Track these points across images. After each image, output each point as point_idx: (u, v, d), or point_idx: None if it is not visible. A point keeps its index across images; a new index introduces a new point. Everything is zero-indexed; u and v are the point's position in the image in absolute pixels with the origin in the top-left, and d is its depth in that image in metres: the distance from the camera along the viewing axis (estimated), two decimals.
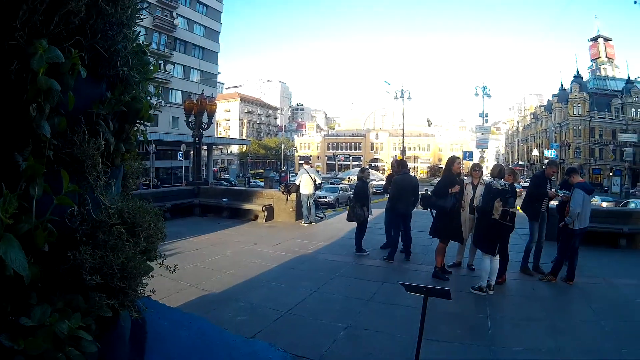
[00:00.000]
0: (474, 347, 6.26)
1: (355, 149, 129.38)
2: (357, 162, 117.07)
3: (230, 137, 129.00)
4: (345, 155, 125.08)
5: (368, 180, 12.60)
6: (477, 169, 10.59)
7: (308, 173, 16.26)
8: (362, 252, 11.63)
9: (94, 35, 2.22)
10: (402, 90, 56.76)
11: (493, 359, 5.95)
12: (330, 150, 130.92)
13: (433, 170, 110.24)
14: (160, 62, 60.79)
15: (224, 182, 59.75)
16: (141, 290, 2.85)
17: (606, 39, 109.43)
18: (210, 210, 18.57)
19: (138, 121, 3.01)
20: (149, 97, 3.14)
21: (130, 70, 2.53)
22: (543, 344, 6.39)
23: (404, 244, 11.36)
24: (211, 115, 20.80)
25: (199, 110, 19.95)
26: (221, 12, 74.37)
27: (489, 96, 50.47)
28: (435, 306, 6.92)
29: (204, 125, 20.27)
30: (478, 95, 50.48)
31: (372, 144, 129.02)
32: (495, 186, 8.53)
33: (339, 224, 13.15)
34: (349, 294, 8.33)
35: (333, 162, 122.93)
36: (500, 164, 9.60)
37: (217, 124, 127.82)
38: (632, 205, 32.03)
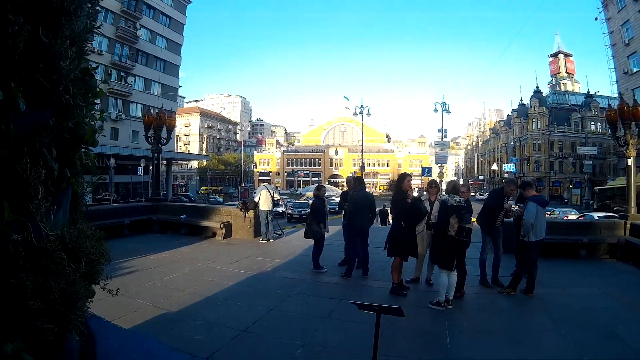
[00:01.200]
0: None
1: (314, 165, 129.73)
2: (316, 178, 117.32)
3: (190, 152, 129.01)
4: (305, 172, 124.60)
5: (324, 198, 12.65)
6: (433, 185, 10.80)
7: (267, 189, 16.32)
8: (320, 270, 11.60)
9: (36, 66, 2.24)
10: (362, 106, 56.95)
11: None
12: (290, 167, 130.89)
13: (392, 185, 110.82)
14: (122, 74, 60.35)
15: (184, 198, 59.49)
16: (90, 311, 2.96)
17: (566, 55, 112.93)
18: (169, 226, 18.34)
19: (83, 146, 3.01)
20: (93, 122, 3.13)
21: (72, 97, 2.53)
22: (502, 355, 6.47)
23: (361, 261, 11.37)
24: (170, 130, 20.52)
25: (158, 125, 19.69)
26: (184, 25, 73.91)
27: (448, 112, 50.94)
28: (394, 322, 6.95)
29: (163, 140, 19.96)
30: (437, 111, 50.92)
31: (331, 159, 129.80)
32: (451, 203, 8.62)
33: (297, 241, 13.11)
34: (307, 312, 8.28)
35: (293, 178, 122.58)
36: (454, 180, 9.63)
37: (177, 138, 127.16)
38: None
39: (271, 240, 16.11)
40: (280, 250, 14.55)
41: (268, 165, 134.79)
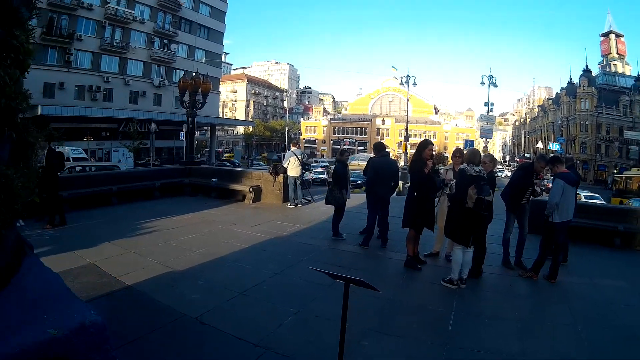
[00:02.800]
0: (426, 344, 5.91)
1: (361, 134, 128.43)
2: (362, 147, 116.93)
3: (237, 118, 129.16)
4: (351, 140, 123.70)
5: (347, 163, 12.21)
6: (457, 154, 10.15)
7: (295, 155, 16.04)
8: (339, 237, 11.36)
9: None
10: (408, 75, 56.57)
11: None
12: (336, 135, 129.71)
13: (438, 158, 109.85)
14: (165, 41, 61.16)
15: (228, 164, 59.67)
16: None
17: (618, 35, 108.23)
18: (201, 190, 18.54)
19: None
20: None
21: None
22: (506, 347, 5.98)
23: (380, 230, 11.01)
24: (206, 95, 20.58)
25: (193, 90, 19.69)
26: None
27: (495, 85, 50.42)
28: (398, 297, 7.27)
29: (198, 105, 20.00)
30: (484, 84, 50.34)
31: (378, 129, 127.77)
32: (470, 172, 8.00)
33: (325, 208, 12.60)
34: (311, 279, 7.91)
35: (339, 146, 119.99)
36: (475, 148, 9.00)
37: (223, 104, 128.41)
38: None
39: (299, 206, 16.05)
40: (305, 215, 14.44)
41: (314, 132, 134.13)
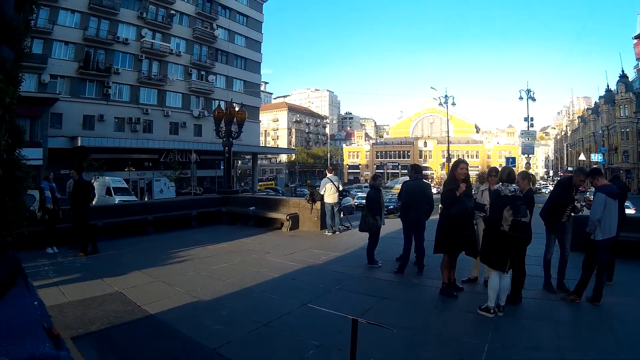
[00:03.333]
0: None
1: (403, 157, 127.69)
2: (405, 171, 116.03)
3: (279, 146, 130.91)
4: (394, 164, 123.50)
5: (381, 187, 11.93)
6: (493, 173, 9.50)
7: (332, 182, 15.90)
8: (374, 264, 11.06)
9: None
10: (446, 95, 57.02)
11: None
12: (379, 159, 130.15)
13: (482, 177, 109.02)
14: (202, 73, 62.57)
15: (271, 191, 59.91)
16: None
17: None
18: (239, 218, 18.55)
19: None
20: None
21: None
22: None
23: (416, 256, 10.61)
24: (241, 124, 20.78)
25: (228, 119, 20.02)
26: (262, 22, 75.36)
27: (533, 100, 50.01)
28: (432, 327, 6.87)
29: (234, 134, 20.24)
30: (523, 99, 50.03)
31: (420, 151, 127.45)
32: (504, 192, 7.57)
33: (363, 235, 12.22)
34: (340, 309, 7.55)
35: (382, 171, 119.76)
36: (510, 167, 8.60)
37: (265, 133, 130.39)
38: None
39: (337, 233, 15.77)
40: (342, 243, 14.09)
41: (357, 157, 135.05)
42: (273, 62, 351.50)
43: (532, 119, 52.28)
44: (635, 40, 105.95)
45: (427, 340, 6.51)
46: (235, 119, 20.32)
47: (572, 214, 9.33)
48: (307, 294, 8.56)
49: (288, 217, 16.66)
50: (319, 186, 16.49)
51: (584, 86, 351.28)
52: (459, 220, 8.45)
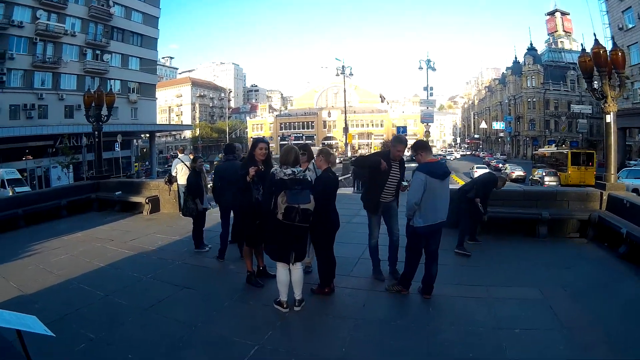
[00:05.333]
0: None
1: (308, 128, 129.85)
2: (310, 141, 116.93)
3: (183, 122, 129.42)
4: (297, 135, 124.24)
5: (201, 170, 11.57)
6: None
7: (183, 162, 15.53)
8: (201, 249, 11.00)
9: None
10: (343, 66, 58.49)
11: None
12: (283, 130, 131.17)
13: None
14: (97, 52, 60.74)
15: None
16: None
17: (563, 13, 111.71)
18: (108, 204, 18.32)
19: None
20: None
21: None
22: None
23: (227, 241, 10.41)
24: (110, 107, 20.70)
25: (98, 103, 19.82)
26: None
27: (433, 69, 52.03)
28: (211, 324, 6.65)
29: (104, 118, 20.14)
30: (422, 69, 51.55)
31: (324, 122, 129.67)
32: (279, 176, 6.68)
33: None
34: (133, 302, 7.64)
35: (286, 142, 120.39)
36: (294, 146, 7.52)
37: (169, 109, 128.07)
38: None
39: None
40: (189, 225, 12.32)
41: (261, 130, 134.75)
42: (180, 37, 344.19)
43: (432, 88, 54.30)
44: (548, 17, 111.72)
45: (194, 340, 6.17)
46: (104, 103, 20.15)
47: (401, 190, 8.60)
48: (117, 284, 8.53)
49: (147, 200, 16.71)
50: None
51: (495, 59, 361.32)
52: (246, 209, 7.92)
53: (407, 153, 9.62)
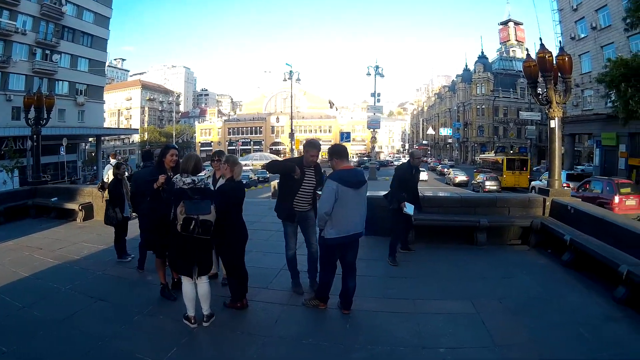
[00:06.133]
0: None
1: (256, 133, 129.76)
2: (258, 147, 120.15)
3: (132, 126, 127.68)
4: (245, 140, 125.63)
5: (123, 178, 11.47)
6: (216, 157, 8.57)
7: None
8: (123, 259, 10.72)
9: None
10: (291, 71, 58.96)
11: None
12: (231, 136, 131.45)
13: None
14: (47, 52, 59.38)
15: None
16: None
17: (517, 23, 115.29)
18: (45, 211, 17.84)
19: None
20: None
21: None
22: None
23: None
24: (50, 110, 20.23)
25: (38, 106, 19.36)
26: None
27: (381, 76, 53.69)
28: (119, 336, 6.44)
29: (43, 121, 19.70)
30: (370, 75, 52.72)
31: (272, 127, 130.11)
32: (178, 185, 6.47)
33: None
34: (45, 314, 7.36)
35: (234, 147, 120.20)
36: (195, 153, 7.59)
37: (118, 112, 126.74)
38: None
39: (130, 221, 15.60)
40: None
41: (209, 135, 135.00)
42: (135, 39, 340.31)
43: (379, 95, 55.50)
44: (501, 26, 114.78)
45: (96, 357, 5.92)
46: (44, 105, 19.57)
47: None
48: (36, 295, 8.29)
49: (80, 207, 16.42)
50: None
51: (446, 67, 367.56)
52: (154, 219, 7.78)
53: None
